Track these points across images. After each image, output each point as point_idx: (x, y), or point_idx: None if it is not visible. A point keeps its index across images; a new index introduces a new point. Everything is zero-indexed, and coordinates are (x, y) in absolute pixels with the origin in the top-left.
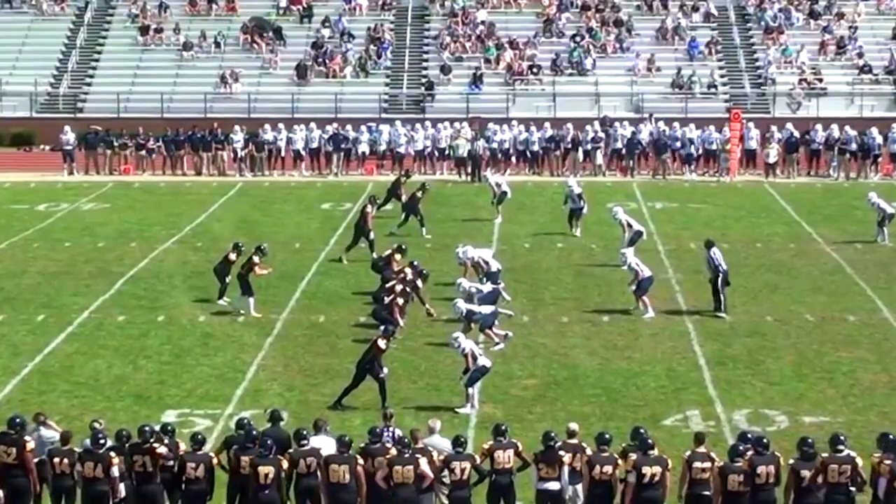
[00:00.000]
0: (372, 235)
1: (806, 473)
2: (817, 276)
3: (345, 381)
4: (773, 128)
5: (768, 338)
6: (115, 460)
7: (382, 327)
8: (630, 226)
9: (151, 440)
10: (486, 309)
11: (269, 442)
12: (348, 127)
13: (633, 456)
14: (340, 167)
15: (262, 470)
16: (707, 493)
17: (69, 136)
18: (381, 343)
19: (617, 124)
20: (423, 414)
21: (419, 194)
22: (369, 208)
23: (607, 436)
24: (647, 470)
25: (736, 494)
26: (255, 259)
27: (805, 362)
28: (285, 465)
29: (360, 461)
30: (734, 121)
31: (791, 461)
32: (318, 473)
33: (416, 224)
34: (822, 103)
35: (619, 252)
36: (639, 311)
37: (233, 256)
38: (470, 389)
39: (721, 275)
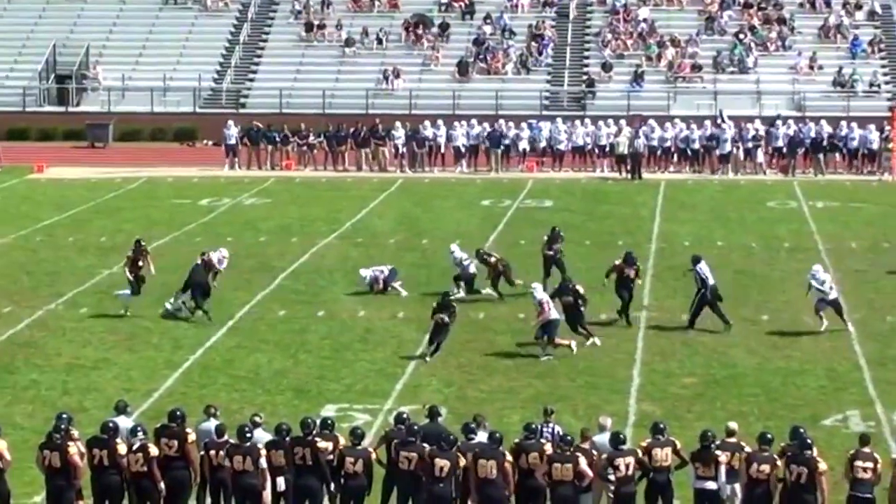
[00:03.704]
0: None
1: None
2: None
3: (502, 378)
4: None
5: None
6: (263, 453)
7: None
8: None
9: (313, 433)
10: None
11: (451, 437)
12: (510, 123)
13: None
14: (500, 164)
15: (439, 463)
16: (869, 495)
17: (232, 130)
18: None
19: (780, 122)
20: (580, 411)
21: None
22: None
23: (769, 436)
24: (794, 469)
25: None
26: (129, 255)
27: None
28: (462, 461)
29: (509, 457)
30: None
31: None
32: None
33: None
34: None
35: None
36: (540, 352)
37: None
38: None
39: (709, 290)
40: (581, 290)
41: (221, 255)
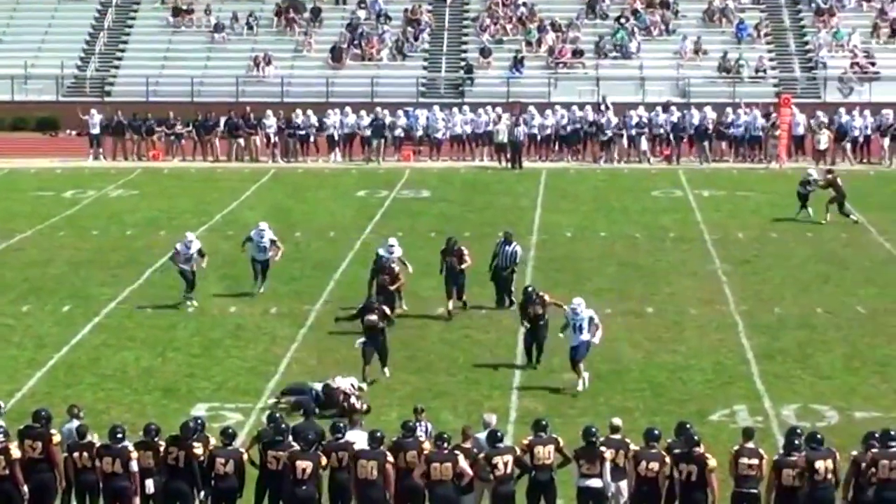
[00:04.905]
0: None
1: (863, 467)
2: (869, 267)
3: (379, 375)
4: (819, 113)
5: (818, 331)
6: (134, 455)
7: None
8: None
9: (193, 437)
10: None
11: (310, 437)
12: (385, 111)
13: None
14: (382, 154)
15: (301, 465)
16: (755, 490)
17: (96, 119)
18: None
19: (660, 109)
20: (460, 408)
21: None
22: None
23: (656, 432)
24: (683, 467)
25: (790, 489)
26: None
27: (856, 355)
28: (324, 461)
29: (391, 458)
30: (784, 106)
31: (854, 453)
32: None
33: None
34: (874, 88)
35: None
36: None
37: None
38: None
39: (512, 270)
40: (387, 310)
41: (188, 241)
